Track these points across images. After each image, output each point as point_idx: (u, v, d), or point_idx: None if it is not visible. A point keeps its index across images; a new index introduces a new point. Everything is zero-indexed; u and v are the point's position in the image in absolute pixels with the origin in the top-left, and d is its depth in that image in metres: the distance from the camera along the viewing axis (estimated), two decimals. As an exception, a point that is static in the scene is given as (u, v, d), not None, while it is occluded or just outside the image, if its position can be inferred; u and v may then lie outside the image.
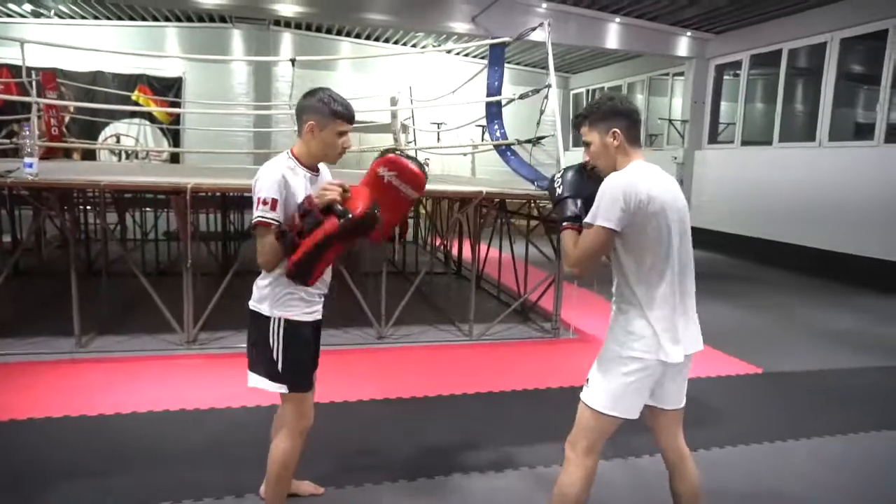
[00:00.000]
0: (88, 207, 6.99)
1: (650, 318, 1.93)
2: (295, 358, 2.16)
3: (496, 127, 6.02)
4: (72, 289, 4.30)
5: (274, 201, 2.03)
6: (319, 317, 2.26)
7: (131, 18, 12.13)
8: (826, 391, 4.28)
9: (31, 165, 3.95)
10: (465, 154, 11.19)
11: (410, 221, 9.35)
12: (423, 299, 6.17)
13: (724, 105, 11.56)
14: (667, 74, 12.62)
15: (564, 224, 2.04)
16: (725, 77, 11.41)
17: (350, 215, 2.01)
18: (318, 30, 13.07)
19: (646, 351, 1.93)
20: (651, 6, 9.83)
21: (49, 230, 7.99)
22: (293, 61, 6.29)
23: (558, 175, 2.15)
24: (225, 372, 4.06)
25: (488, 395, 3.91)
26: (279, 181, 2.05)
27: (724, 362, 4.73)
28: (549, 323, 5.49)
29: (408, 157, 2.36)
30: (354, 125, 2.19)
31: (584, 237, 1.95)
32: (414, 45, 13.30)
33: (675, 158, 11.46)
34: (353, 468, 2.91)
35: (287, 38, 13.01)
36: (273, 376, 2.16)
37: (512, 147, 5.83)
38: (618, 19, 10.34)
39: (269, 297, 2.15)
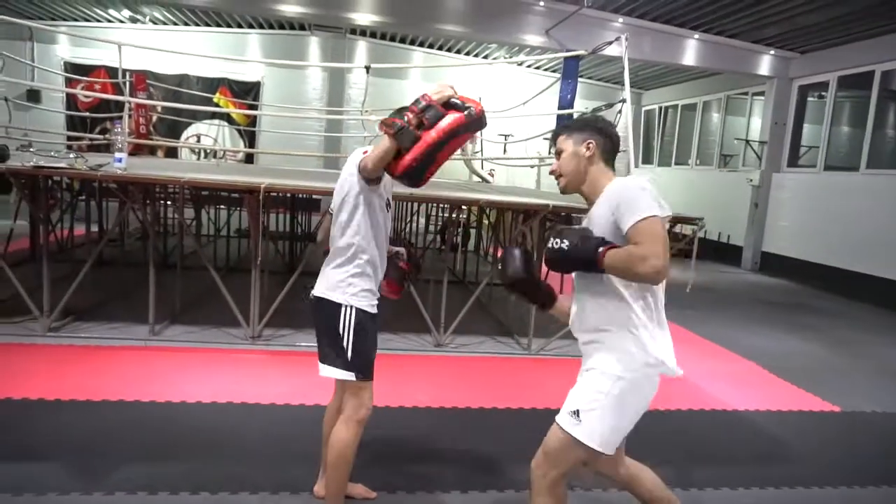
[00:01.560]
0: (168, 202, 7.34)
1: (660, 337, 1.89)
2: (363, 346, 2.24)
3: (565, 140, 5.95)
4: (149, 279, 4.52)
5: None
6: (377, 310, 2.34)
7: (217, 25, 12.74)
8: (910, 436, 3.99)
9: (120, 160, 4.19)
10: (531, 166, 11.13)
11: (472, 231, 9.35)
12: (482, 310, 6.14)
13: (805, 127, 11.04)
14: (745, 94, 12.16)
15: (602, 249, 1.75)
16: (809, 98, 10.89)
17: (472, 109, 2.04)
18: (392, 39, 13.35)
19: (655, 373, 1.91)
20: (731, 23, 9.52)
21: (131, 223, 8.43)
22: (367, 68, 6.42)
23: (556, 240, 1.84)
24: (286, 369, 4.16)
25: (545, 412, 3.82)
26: None
27: (799, 398, 4.48)
28: (609, 343, 5.35)
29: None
30: None
31: (645, 235, 1.68)
32: (485, 57, 13.37)
33: (751, 181, 10.98)
34: (406, 474, 2.91)
35: (362, 46, 13.35)
36: (343, 364, 2.23)
37: (580, 161, 5.73)
38: (696, 36, 10.06)
39: (342, 285, 2.23)
